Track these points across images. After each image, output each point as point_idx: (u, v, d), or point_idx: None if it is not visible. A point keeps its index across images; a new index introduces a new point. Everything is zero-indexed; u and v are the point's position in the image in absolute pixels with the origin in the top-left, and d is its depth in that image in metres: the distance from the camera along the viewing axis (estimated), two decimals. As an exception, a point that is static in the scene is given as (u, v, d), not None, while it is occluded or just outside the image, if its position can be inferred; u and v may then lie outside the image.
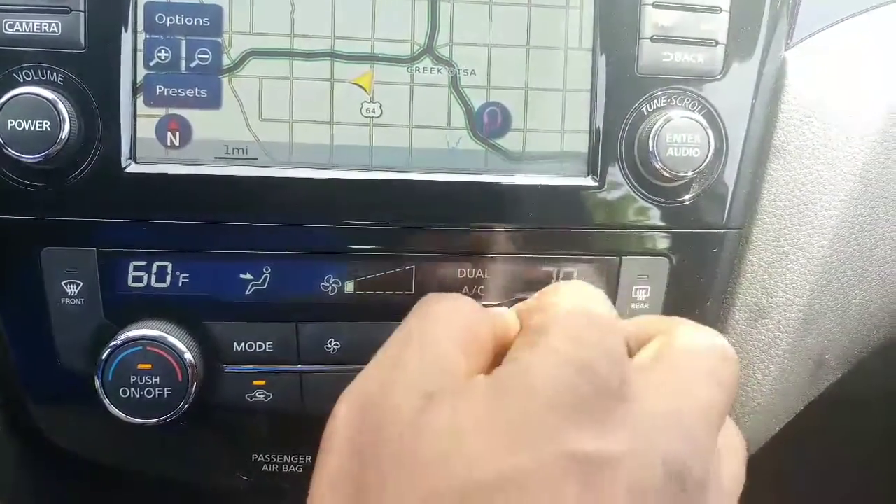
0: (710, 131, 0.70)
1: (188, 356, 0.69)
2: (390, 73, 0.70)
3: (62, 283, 0.69)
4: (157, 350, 0.68)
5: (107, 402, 0.69)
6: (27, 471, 0.78)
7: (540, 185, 0.71)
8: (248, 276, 0.71)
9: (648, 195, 0.72)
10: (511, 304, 0.73)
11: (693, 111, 0.71)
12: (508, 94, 0.71)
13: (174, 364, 0.69)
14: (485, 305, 0.72)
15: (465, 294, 0.73)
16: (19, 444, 0.77)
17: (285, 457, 0.76)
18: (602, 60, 0.71)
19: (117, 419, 0.69)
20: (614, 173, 0.72)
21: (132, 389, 0.69)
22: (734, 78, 0.72)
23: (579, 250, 0.74)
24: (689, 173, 0.70)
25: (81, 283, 0.70)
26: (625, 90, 0.71)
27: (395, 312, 0.72)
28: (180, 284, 0.71)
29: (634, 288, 0.75)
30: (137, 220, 0.69)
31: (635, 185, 0.72)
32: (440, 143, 0.71)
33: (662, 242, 0.74)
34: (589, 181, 0.72)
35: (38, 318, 0.70)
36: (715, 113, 0.72)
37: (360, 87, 0.70)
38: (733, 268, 0.78)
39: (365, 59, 0.69)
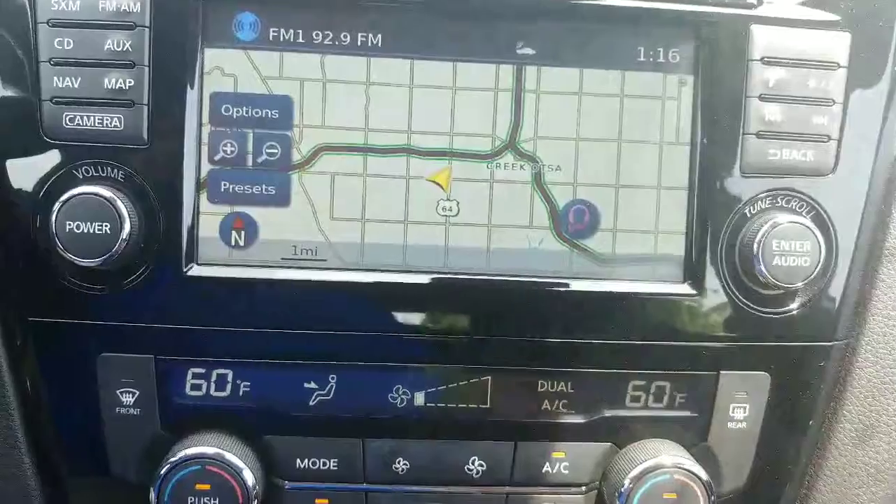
0: (820, 237, 0.63)
1: (248, 474, 0.63)
2: (469, 170, 0.65)
3: (118, 391, 0.65)
4: (216, 469, 0.63)
5: (165, 523, 0.64)
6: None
7: (631, 292, 0.65)
8: (313, 385, 0.66)
9: (750, 305, 0.66)
10: (596, 422, 0.67)
11: (801, 214, 0.65)
12: (597, 191, 0.65)
13: (234, 483, 0.63)
14: (565, 425, 0.67)
15: (546, 410, 0.67)
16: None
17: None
18: (702, 157, 0.65)
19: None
20: (713, 280, 0.66)
21: (193, 512, 0.63)
22: (846, 176, 0.66)
23: (673, 364, 0.67)
24: (798, 284, 0.64)
25: (138, 392, 0.65)
26: (727, 189, 0.65)
27: (468, 430, 0.67)
28: (241, 394, 0.66)
29: (732, 406, 0.68)
30: (198, 327, 0.64)
31: (736, 293, 0.66)
32: (521, 244, 0.65)
33: (764, 356, 0.67)
34: (685, 288, 0.66)
35: (91, 426, 0.65)
36: (825, 215, 0.65)
37: (437, 184, 0.65)
38: (838, 384, 0.70)
39: (443, 155, 0.65)
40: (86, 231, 0.60)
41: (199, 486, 0.63)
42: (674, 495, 0.65)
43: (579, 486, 0.68)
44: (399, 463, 0.67)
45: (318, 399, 0.66)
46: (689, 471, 0.65)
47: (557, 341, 0.66)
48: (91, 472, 0.67)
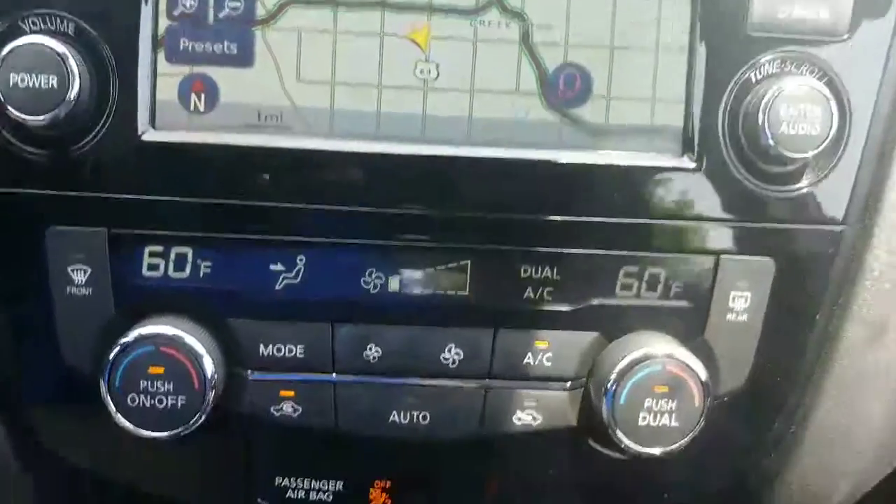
0: (832, 102, 0.57)
1: (207, 360, 0.59)
2: (450, 27, 0.59)
3: (68, 268, 0.60)
4: (171, 351, 0.58)
5: (113, 409, 0.59)
6: (25, 482, 0.68)
7: (624, 165, 0.60)
8: (280, 266, 0.61)
9: (755, 182, 0.60)
10: (584, 311, 0.62)
11: (812, 78, 0.59)
12: (590, 53, 0.60)
13: (191, 369, 0.59)
14: (550, 313, 0.62)
15: (530, 298, 0.62)
16: (17, 454, 0.67)
17: (314, 482, 0.65)
18: (704, 13, 0.59)
19: (124, 430, 0.59)
20: (715, 153, 0.60)
21: (141, 397, 0.59)
22: (863, 39, 0.60)
23: (668, 248, 0.62)
24: (807, 154, 0.58)
25: (90, 269, 0.60)
26: (731, 51, 0.59)
27: (446, 317, 0.63)
28: (201, 275, 0.61)
29: (732, 295, 0.63)
30: (155, 198, 0.59)
31: (740, 168, 0.60)
32: (506, 112, 0.60)
33: (768, 240, 0.62)
34: (684, 162, 0.60)
35: (40, 309, 0.61)
36: (838, 81, 0.60)
37: (415, 43, 0.59)
38: (849, 275, 0.65)
39: (421, 9, 0.59)
40: (32, 85, 0.55)
41: (152, 370, 0.58)
42: (665, 388, 0.60)
43: (564, 380, 0.63)
44: (371, 350, 0.62)
45: (284, 283, 0.61)
46: (683, 362, 0.60)
47: (543, 220, 0.60)
48: (42, 365, 0.62)
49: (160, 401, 0.59)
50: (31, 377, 0.63)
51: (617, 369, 0.60)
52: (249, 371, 0.62)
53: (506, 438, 0.64)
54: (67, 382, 0.62)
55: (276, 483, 0.65)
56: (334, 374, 0.62)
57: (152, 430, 0.59)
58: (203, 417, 0.59)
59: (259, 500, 0.65)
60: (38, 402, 0.64)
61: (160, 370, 0.58)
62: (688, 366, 0.60)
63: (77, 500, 0.72)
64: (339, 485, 0.65)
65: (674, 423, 0.60)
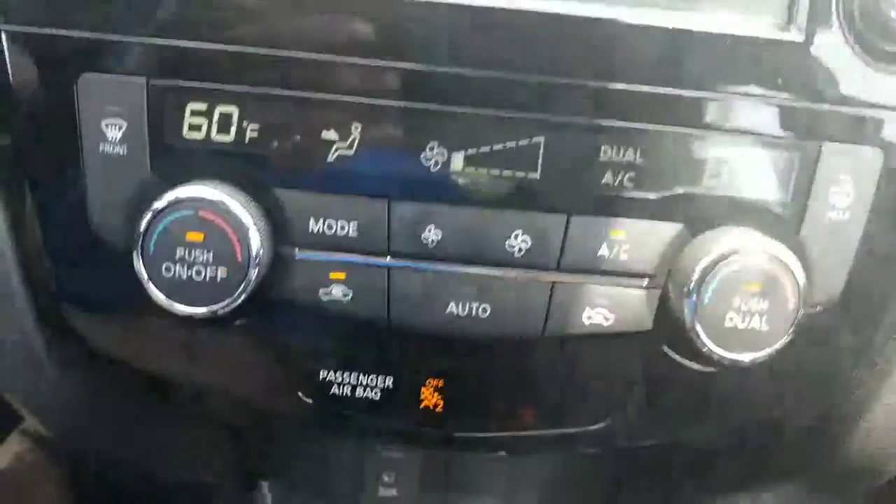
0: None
1: (252, 231, 0.53)
2: None
3: (102, 122, 0.55)
4: (213, 217, 0.53)
5: (145, 278, 0.54)
6: (49, 367, 0.63)
7: (723, 33, 0.53)
8: (333, 135, 0.55)
9: (868, 60, 0.54)
10: (667, 200, 0.56)
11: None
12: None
13: (233, 238, 0.53)
14: (629, 201, 0.56)
15: (608, 183, 0.55)
16: (42, 334, 0.62)
17: (361, 378, 0.59)
18: None
19: (157, 306, 0.54)
20: (825, 26, 0.53)
21: (177, 266, 0.53)
22: None
23: (766, 130, 0.55)
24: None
25: (125, 125, 0.55)
26: None
27: (514, 200, 0.57)
28: (247, 139, 0.55)
29: (834, 190, 0.56)
30: (199, 45, 0.53)
31: (851, 43, 0.54)
32: (597, -31, 0.54)
33: (879, 128, 0.55)
34: (790, 34, 0.54)
35: (70, 169, 0.55)
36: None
37: None
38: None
39: None
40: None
41: (190, 237, 0.53)
42: (757, 286, 0.54)
43: (641, 276, 0.57)
44: (430, 232, 0.56)
45: (337, 153, 0.56)
46: (779, 258, 0.54)
47: (627, 92, 0.54)
48: (69, 231, 0.57)
49: (198, 272, 0.53)
50: (57, 245, 0.58)
51: (703, 264, 0.54)
52: (297, 249, 0.56)
53: (572, 339, 0.58)
54: (97, 251, 0.56)
55: (320, 377, 0.59)
56: (389, 258, 0.56)
57: (187, 305, 0.54)
58: (245, 295, 0.54)
59: (300, 395, 0.60)
60: (64, 272, 0.58)
61: (199, 237, 0.53)
62: (784, 263, 0.54)
63: (103, 391, 0.67)
64: (389, 381, 0.59)
65: (764, 327, 0.54)
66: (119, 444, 0.74)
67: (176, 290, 0.53)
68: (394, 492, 0.97)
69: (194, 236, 0.53)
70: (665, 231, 0.57)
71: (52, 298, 0.59)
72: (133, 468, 0.88)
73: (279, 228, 0.56)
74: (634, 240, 0.56)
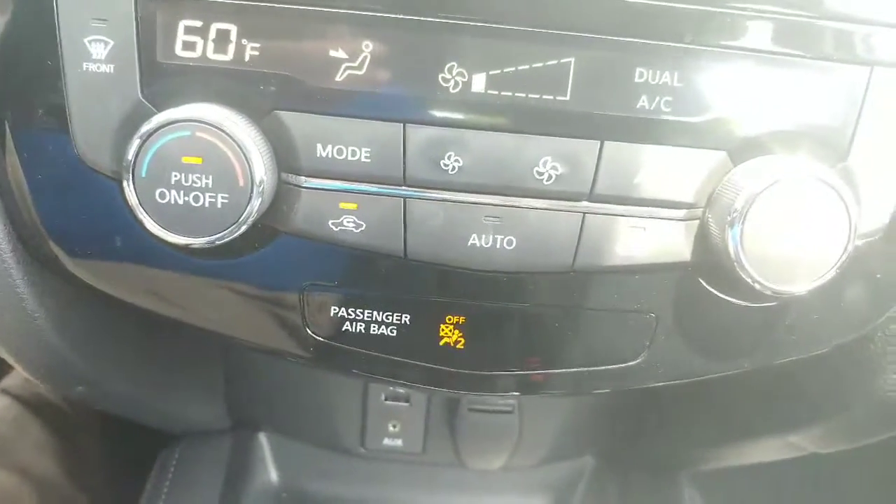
0: None
1: (255, 154, 0.48)
2: None
3: (86, 38, 0.49)
4: (212, 139, 0.48)
5: (137, 205, 0.49)
6: (32, 304, 0.59)
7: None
8: (341, 53, 0.50)
9: None
10: (708, 125, 0.51)
11: None
12: None
13: (235, 162, 0.48)
14: (667, 125, 0.51)
15: (644, 107, 0.51)
16: (28, 273, 0.57)
17: (375, 314, 0.55)
18: None
19: (150, 236, 0.49)
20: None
21: (173, 192, 0.48)
22: None
23: (815, 51, 0.51)
24: None
25: (112, 43, 0.49)
26: None
27: (543, 124, 0.52)
28: (247, 58, 0.50)
29: (882, 116, 0.52)
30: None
31: None
32: None
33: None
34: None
35: (51, 91, 0.50)
36: None
37: None
38: None
39: None
40: None
41: (186, 160, 0.48)
42: (803, 215, 0.50)
43: (679, 207, 0.53)
44: (449, 159, 0.51)
45: (346, 73, 0.50)
46: (829, 184, 0.50)
47: (664, 7, 0.49)
48: (53, 159, 0.52)
49: (196, 198, 0.48)
50: (39, 173, 0.53)
51: (747, 193, 0.50)
52: (304, 178, 0.51)
53: (604, 272, 0.53)
54: (82, 179, 0.51)
55: (330, 314, 0.55)
56: (405, 187, 0.52)
57: (184, 235, 0.49)
58: (246, 225, 0.49)
59: (308, 332, 0.55)
60: (47, 203, 0.53)
61: (197, 160, 0.48)
62: (833, 190, 0.50)
63: (95, 330, 0.63)
64: (406, 318, 0.55)
65: (811, 258, 0.50)
66: (112, 386, 0.70)
67: (171, 218, 0.49)
68: (399, 442, 0.94)
69: (191, 159, 0.48)
70: (705, 158, 0.52)
71: (36, 232, 0.54)
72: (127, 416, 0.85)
73: (283, 155, 0.51)
74: (672, 167, 0.52)
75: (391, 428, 0.93)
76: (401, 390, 0.92)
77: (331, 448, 0.96)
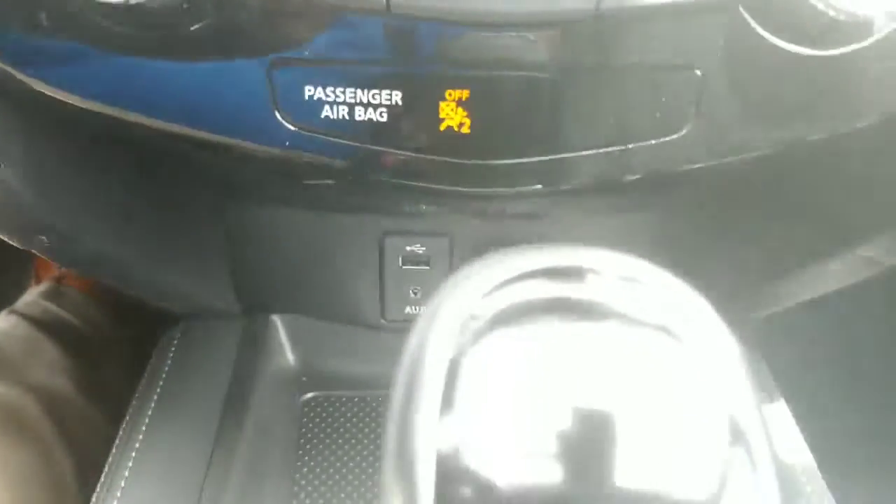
0: None
1: None
2: None
3: None
4: None
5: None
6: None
7: None
8: None
9: None
10: None
11: None
12: None
13: None
14: None
15: None
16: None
17: (360, 92, 0.45)
18: None
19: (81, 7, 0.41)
20: None
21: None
22: None
23: None
24: None
25: None
26: None
27: None
28: None
29: None
30: None
31: None
32: None
33: None
34: None
35: None
36: None
37: None
38: None
39: None
40: None
41: None
42: None
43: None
44: None
45: None
46: None
47: None
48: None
49: (122, -61, 0.39)
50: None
51: None
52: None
53: (638, 16, 0.43)
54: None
55: (304, 95, 0.46)
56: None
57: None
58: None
59: (279, 118, 0.46)
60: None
61: None
62: None
63: (59, 172, 0.54)
64: (396, 96, 0.46)
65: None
66: (87, 243, 0.62)
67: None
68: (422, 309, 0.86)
69: None
70: None
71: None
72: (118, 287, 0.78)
73: None
74: None
75: (412, 294, 0.85)
76: (419, 252, 0.83)
77: (350, 323, 0.88)
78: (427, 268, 0.85)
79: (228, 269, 0.85)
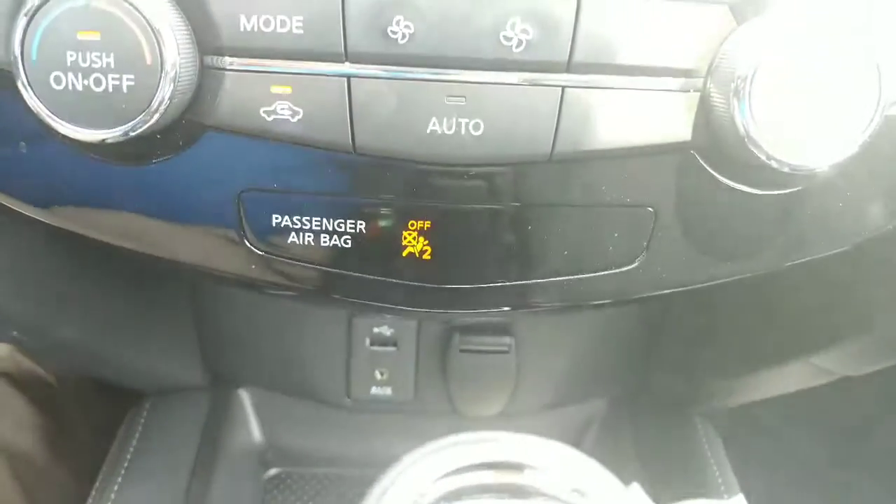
0: None
1: (160, 23, 0.40)
2: None
3: None
4: (109, 8, 0.40)
5: (30, 95, 0.41)
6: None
7: None
8: None
9: None
10: None
11: None
12: None
13: (138, 34, 0.40)
14: None
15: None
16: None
17: (324, 222, 0.47)
18: None
19: (48, 129, 0.42)
20: None
21: (70, 76, 0.41)
22: None
23: None
24: None
25: None
26: None
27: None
28: None
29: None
30: None
31: None
32: None
33: None
34: None
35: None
36: None
37: None
38: None
39: None
40: None
41: (82, 35, 0.40)
42: (821, 83, 0.41)
43: (675, 73, 0.44)
44: (398, 26, 0.42)
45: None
46: (853, 37, 0.41)
47: None
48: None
49: (97, 81, 0.41)
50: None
51: (755, 57, 0.41)
52: (228, 59, 0.43)
53: (590, 160, 0.45)
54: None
55: (272, 223, 0.47)
56: (347, 63, 0.43)
57: (89, 127, 0.41)
58: (159, 113, 0.41)
59: (248, 245, 0.48)
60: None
61: (94, 34, 0.40)
62: (861, 49, 0.41)
63: (25, 268, 0.55)
64: (360, 225, 0.47)
65: (834, 132, 0.42)
66: (60, 333, 0.63)
67: (70, 107, 0.41)
68: (388, 390, 0.87)
69: (88, 34, 0.40)
70: (704, 15, 0.43)
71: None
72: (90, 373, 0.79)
73: (203, 32, 0.43)
74: (666, 26, 0.43)
75: (378, 375, 0.86)
76: (387, 333, 0.84)
77: (316, 400, 0.89)
78: (394, 349, 0.86)
79: (197, 343, 0.86)
